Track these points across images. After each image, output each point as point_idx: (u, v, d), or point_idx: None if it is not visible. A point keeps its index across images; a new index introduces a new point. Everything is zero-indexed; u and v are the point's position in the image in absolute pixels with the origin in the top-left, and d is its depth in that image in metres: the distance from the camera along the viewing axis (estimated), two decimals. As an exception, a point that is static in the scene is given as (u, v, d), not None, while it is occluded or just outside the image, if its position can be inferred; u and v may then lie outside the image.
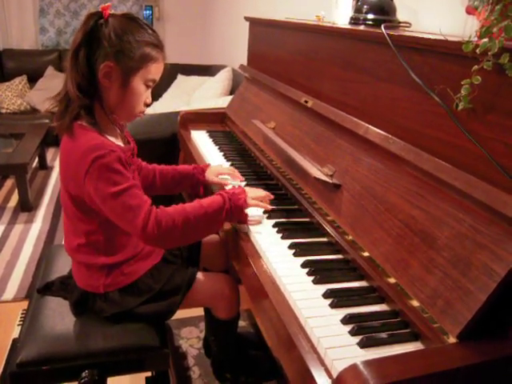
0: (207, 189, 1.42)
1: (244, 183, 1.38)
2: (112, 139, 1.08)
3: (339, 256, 1.03)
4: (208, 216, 1.06)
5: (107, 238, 1.09)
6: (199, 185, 1.40)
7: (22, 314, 1.92)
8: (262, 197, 1.18)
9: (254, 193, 1.17)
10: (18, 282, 2.17)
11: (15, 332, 1.81)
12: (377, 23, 1.27)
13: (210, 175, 1.39)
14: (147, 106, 1.13)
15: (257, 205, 1.14)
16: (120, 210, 0.99)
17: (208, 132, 1.89)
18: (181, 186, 1.40)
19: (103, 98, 1.05)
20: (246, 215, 1.12)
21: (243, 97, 1.95)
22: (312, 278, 0.93)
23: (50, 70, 4.41)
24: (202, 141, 1.79)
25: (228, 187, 1.35)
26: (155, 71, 1.08)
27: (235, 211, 1.09)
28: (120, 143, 1.12)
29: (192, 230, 1.06)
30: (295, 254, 1.01)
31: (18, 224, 2.76)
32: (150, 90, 1.10)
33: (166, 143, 2.09)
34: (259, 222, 1.14)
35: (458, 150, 0.85)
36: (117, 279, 1.12)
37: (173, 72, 4.01)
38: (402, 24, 1.33)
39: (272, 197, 1.22)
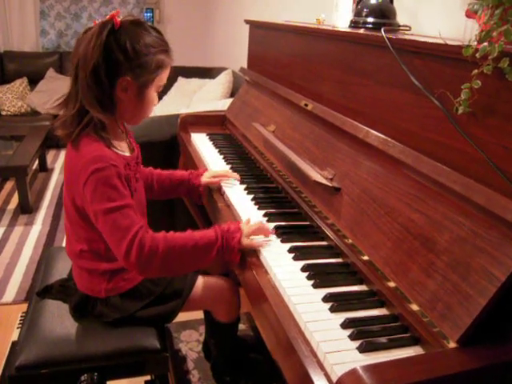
0: (204, 192, 1.42)
1: (244, 186, 1.38)
2: (118, 150, 1.07)
3: (339, 260, 1.03)
4: (196, 249, 1.01)
5: (108, 245, 1.08)
6: (195, 190, 1.39)
7: (22, 316, 1.92)
8: (259, 231, 1.07)
9: (250, 229, 1.06)
10: (18, 285, 2.16)
11: (14, 335, 1.81)
12: (377, 26, 1.27)
13: (205, 178, 1.39)
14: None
15: (251, 246, 1.04)
16: (109, 227, 0.98)
17: (208, 135, 1.89)
18: (177, 190, 1.40)
19: (117, 109, 1.05)
20: (238, 257, 1.04)
21: (243, 100, 1.95)
22: (312, 281, 0.93)
23: (50, 72, 4.41)
24: (202, 143, 1.79)
25: (224, 185, 1.35)
26: (166, 76, 1.10)
27: (227, 251, 1.03)
28: (127, 153, 1.12)
29: (175, 261, 1.01)
30: (295, 258, 1.01)
31: (18, 226, 2.76)
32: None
33: (166, 146, 2.09)
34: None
35: (458, 154, 0.85)
36: (118, 284, 1.12)
37: (173, 74, 3.99)
38: (401, 27, 1.33)
39: (270, 232, 1.09)
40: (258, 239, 1.06)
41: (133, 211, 1.00)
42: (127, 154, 1.12)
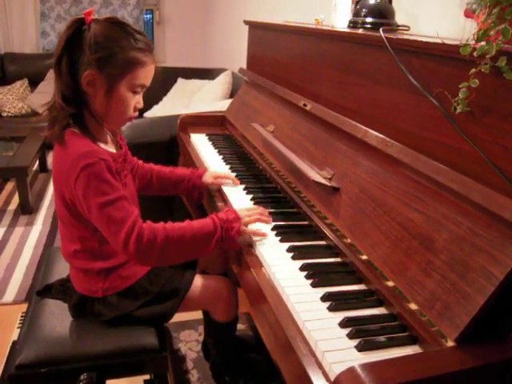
0: (205, 192, 1.42)
1: (243, 186, 1.38)
2: (103, 146, 1.07)
3: (337, 259, 1.03)
4: (195, 240, 1.01)
5: (102, 243, 1.08)
6: (195, 189, 1.39)
7: (22, 316, 1.92)
8: (257, 219, 1.10)
9: (250, 219, 1.08)
10: (18, 285, 2.17)
11: (15, 335, 1.81)
12: (375, 27, 1.27)
13: (206, 178, 1.38)
14: (137, 110, 1.10)
15: (253, 233, 1.06)
16: (105, 221, 0.98)
17: (207, 135, 1.89)
18: (177, 188, 1.39)
19: (90, 106, 1.04)
20: (238, 245, 1.05)
21: (242, 100, 1.95)
22: (310, 281, 0.93)
23: (51, 74, 4.41)
24: (201, 144, 1.79)
25: (224, 188, 1.35)
26: (143, 76, 1.04)
27: (226, 241, 1.03)
28: (112, 149, 1.12)
29: (174, 251, 1.02)
30: (294, 257, 1.01)
31: (19, 227, 2.76)
32: (140, 95, 1.07)
33: (165, 146, 2.10)
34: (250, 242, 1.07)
35: (456, 153, 0.85)
36: (114, 283, 1.12)
37: (173, 75, 4.01)
38: (400, 27, 1.33)
39: (267, 214, 1.13)
40: (256, 226, 1.08)
41: (127, 202, 1.00)
42: (113, 150, 1.12)
